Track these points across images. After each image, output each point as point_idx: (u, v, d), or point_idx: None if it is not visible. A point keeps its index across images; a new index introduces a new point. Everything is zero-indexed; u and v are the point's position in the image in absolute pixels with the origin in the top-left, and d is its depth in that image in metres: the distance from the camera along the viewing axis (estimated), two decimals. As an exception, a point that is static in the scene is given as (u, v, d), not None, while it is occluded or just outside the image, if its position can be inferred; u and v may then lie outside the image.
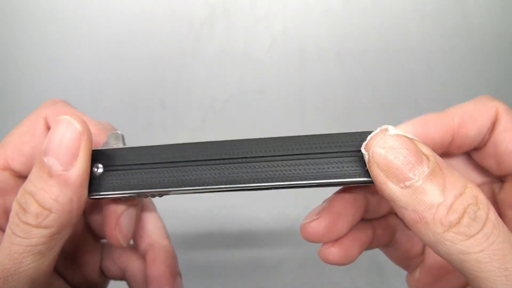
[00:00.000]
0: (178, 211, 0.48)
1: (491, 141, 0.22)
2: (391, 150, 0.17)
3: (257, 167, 0.20)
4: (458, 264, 0.17)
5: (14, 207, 0.20)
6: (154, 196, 0.22)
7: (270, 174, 0.20)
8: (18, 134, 0.25)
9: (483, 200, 0.17)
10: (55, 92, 0.55)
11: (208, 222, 0.53)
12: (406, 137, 0.18)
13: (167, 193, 0.21)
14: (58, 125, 0.20)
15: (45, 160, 0.19)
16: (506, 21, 0.57)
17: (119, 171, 0.21)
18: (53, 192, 0.19)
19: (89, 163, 0.20)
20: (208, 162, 0.20)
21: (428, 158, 0.17)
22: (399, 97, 0.56)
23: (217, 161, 0.20)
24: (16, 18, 0.55)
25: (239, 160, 0.20)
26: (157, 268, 0.26)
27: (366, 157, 0.18)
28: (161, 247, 0.27)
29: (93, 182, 0.21)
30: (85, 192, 0.21)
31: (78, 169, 0.20)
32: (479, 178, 0.24)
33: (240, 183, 0.20)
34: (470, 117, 0.21)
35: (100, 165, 0.21)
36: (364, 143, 0.18)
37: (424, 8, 0.57)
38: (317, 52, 0.57)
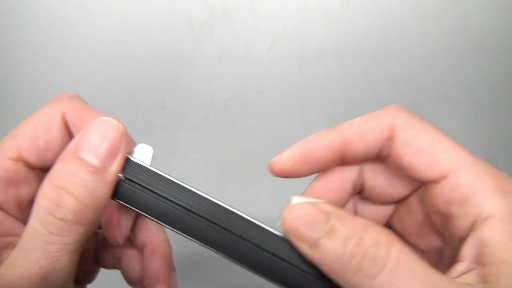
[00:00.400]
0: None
1: (392, 156, 0.22)
2: (294, 219, 0.20)
3: (240, 245, 0.22)
4: None
5: (44, 204, 0.19)
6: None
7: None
8: (33, 126, 0.25)
9: (383, 240, 0.18)
10: (55, 92, 0.54)
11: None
12: (307, 202, 0.20)
13: (170, 229, 0.22)
14: (100, 125, 0.20)
15: (83, 156, 0.19)
16: (506, 21, 0.58)
17: (136, 185, 0.22)
18: (91, 187, 0.19)
19: (123, 165, 0.21)
20: (217, 227, 0.22)
21: (328, 216, 0.19)
22: (399, 97, 0.56)
23: (226, 231, 0.22)
24: (16, 18, 0.55)
25: (237, 237, 0.22)
26: (156, 261, 0.26)
27: (281, 229, 0.20)
28: (160, 241, 0.28)
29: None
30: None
31: (115, 168, 0.20)
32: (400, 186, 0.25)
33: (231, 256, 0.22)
34: (358, 135, 0.23)
35: (121, 173, 0.21)
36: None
37: (424, 8, 0.57)
38: (317, 52, 0.57)
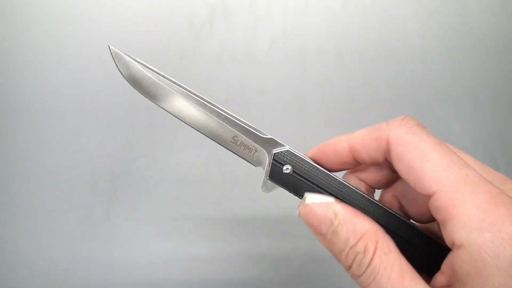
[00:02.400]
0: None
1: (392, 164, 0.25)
2: (308, 215, 0.24)
3: None
4: None
5: None
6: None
7: None
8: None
9: (370, 249, 0.23)
10: (55, 92, 0.55)
11: (211, 214, 0.53)
12: (320, 202, 0.24)
13: None
14: None
15: None
16: (506, 21, 0.58)
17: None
18: None
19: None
20: None
21: (336, 215, 0.24)
22: (399, 97, 0.57)
23: None
24: (16, 18, 0.55)
25: None
26: None
27: (300, 219, 0.25)
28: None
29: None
30: None
31: None
32: None
33: None
34: (360, 144, 0.26)
35: (290, 167, 0.27)
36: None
37: (424, 8, 0.57)
38: (317, 52, 0.57)
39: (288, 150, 0.27)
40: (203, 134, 0.29)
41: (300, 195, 0.27)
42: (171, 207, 0.53)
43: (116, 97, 0.55)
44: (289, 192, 0.27)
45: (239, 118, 0.28)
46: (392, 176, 0.28)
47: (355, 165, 0.27)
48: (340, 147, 0.27)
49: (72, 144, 0.54)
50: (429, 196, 0.22)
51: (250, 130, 0.28)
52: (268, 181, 0.27)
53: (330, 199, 0.24)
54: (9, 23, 0.55)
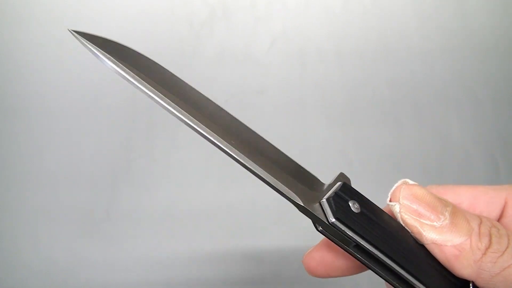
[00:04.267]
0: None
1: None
2: (418, 198, 0.20)
3: None
4: (504, 285, 0.18)
5: None
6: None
7: None
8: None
9: (497, 223, 0.20)
10: (55, 92, 0.55)
11: (211, 214, 0.53)
12: (422, 187, 0.20)
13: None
14: None
15: None
16: (506, 21, 0.58)
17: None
18: None
19: None
20: None
21: (445, 200, 0.20)
22: (399, 97, 0.57)
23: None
24: (16, 18, 0.55)
25: None
26: None
27: (396, 208, 0.20)
28: None
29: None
30: None
31: None
32: None
33: None
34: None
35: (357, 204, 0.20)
36: (389, 196, 0.20)
37: (424, 8, 0.57)
38: (317, 52, 0.57)
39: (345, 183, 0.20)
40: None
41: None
42: (171, 207, 0.53)
43: (116, 97, 0.55)
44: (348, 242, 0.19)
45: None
46: None
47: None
48: (499, 198, 0.22)
49: (72, 144, 0.54)
50: None
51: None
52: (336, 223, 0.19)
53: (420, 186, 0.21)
54: (9, 23, 0.55)
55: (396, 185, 0.21)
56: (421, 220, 0.19)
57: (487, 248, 0.18)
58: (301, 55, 0.56)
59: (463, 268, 0.19)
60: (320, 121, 0.55)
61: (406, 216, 0.20)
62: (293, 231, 0.52)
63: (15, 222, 0.52)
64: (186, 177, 0.53)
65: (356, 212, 0.19)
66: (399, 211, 0.20)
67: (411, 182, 0.20)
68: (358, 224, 0.19)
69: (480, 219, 0.19)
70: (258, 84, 0.56)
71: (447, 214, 0.19)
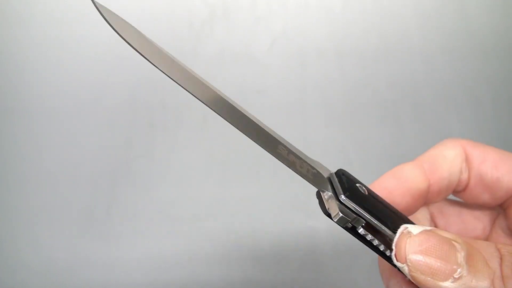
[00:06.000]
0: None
1: (474, 177, 0.22)
2: (426, 252, 0.17)
3: None
4: None
5: None
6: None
7: None
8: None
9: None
10: (55, 92, 0.55)
11: (211, 214, 0.53)
12: (430, 231, 0.17)
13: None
14: None
15: None
16: (506, 21, 0.58)
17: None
18: None
19: None
20: None
21: (456, 241, 0.17)
22: (399, 97, 0.57)
23: None
24: (16, 18, 0.55)
25: None
26: None
27: (405, 269, 0.17)
28: None
29: None
30: None
31: None
32: (480, 218, 0.25)
33: None
34: (439, 160, 0.22)
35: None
36: (393, 255, 0.18)
37: (424, 8, 0.57)
38: (317, 52, 0.57)
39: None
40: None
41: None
42: (171, 207, 0.53)
43: (116, 97, 0.55)
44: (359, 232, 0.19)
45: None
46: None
47: (420, 204, 0.23)
48: (421, 168, 0.22)
49: (72, 144, 0.54)
50: None
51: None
52: (346, 201, 0.18)
53: (428, 227, 0.18)
54: (9, 23, 0.55)
55: (398, 234, 0.18)
56: (436, 279, 0.17)
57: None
58: (301, 55, 0.56)
59: None
60: (320, 121, 0.55)
61: (418, 276, 0.17)
62: (293, 231, 0.52)
63: (15, 222, 0.52)
64: (186, 177, 0.53)
65: (364, 194, 0.19)
66: (409, 273, 0.17)
67: (414, 230, 0.18)
68: (367, 203, 0.19)
69: (500, 254, 0.17)
70: (258, 84, 0.56)
71: (462, 261, 0.17)
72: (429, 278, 0.17)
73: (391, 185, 0.22)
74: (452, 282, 0.17)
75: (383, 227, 0.19)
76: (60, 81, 0.55)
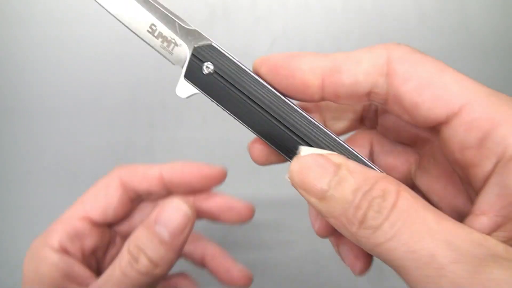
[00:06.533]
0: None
1: (391, 96, 0.19)
2: (303, 170, 0.19)
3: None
4: (382, 259, 0.17)
5: (126, 256, 0.25)
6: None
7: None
8: (94, 192, 0.33)
9: (392, 190, 0.17)
10: (55, 92, 0.55)
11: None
12: (316, 154, 0.19)
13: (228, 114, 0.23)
14: (173, 206, 0.24)
15: (157, 228, 0.24)
16: (506, 21, 0.58)
17: (221, 80, 0.22)
18: (161, 254, 0.24)
19: (188, 238, 0.25)
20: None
21: (338, 167, 0.18)
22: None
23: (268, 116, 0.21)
24: (16, 18, 0.55)
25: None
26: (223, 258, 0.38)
27: (289, 182, 0.19)
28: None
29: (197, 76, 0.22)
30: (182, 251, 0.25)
31: (182, 240, 0.24)
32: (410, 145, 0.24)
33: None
34: (348, 63, 0.20)
35: (212, 65, 0.22)
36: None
37: (424, 8, 0.57)
38: (317, 52, 0.56)
39: (211, 45, 0.22)
40: (119, 20, 0.22)
41: (224, 105, 0.22)
42: (171, 207, 0.53)
43: (117, 97, 0.55)
44: (212, 101, 0.22)
45: (163, 4, 0.22)
46: (357, 120, 0.25)
47: (315, 99, 0.21)
48: (321, 64, 0.20)
49: (72, 144, 0.54)
50: (453, 116, 0.18)
51: (171, 18, 0.22)
52: (184, 81, 0.22)
53: (324, 151, 0.19)
54: (9, 23, 0.55)
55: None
56: (308, 193, 0.19)
57: (362, 223, 0.17)
58: (301, 55, 0.56)
59: (349, 239, 0.18)
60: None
61: (297, 189, 0.19)
62: (292, 231, 0.52)
63: (15, 222, 0.52)
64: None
65: (207, 72, 0.22)
66: (292, 185, 0.20)
67: (304, 151, 0.20)
68: (205, 83, 0.22)
69: (374, 184, 0.17)
70: (258, 84, 0.56)
71: (331, 184, 0.18)
72: (303, 192, 0.19)
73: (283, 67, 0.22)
74: (320, 200, 0.18)
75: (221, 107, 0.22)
76: (60, 81, 0.55)
